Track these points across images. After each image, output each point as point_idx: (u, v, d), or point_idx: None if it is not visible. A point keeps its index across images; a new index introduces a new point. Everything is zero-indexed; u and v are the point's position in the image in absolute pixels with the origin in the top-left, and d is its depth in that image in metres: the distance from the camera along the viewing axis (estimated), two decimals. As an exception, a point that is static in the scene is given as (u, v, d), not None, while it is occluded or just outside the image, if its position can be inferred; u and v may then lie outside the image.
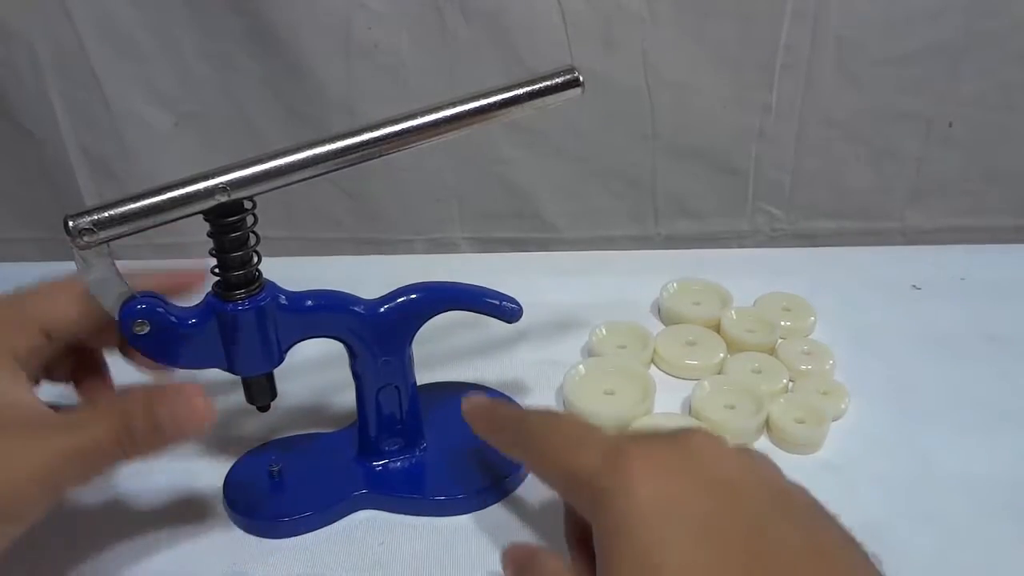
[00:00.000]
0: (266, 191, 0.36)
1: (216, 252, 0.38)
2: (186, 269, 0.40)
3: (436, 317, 0.43)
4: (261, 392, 0.41)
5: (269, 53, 0.75)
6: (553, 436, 0.36)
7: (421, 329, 0.43)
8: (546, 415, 0.40)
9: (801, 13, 0.71)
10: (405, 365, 0.43)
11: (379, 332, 0.42)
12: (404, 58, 0.74)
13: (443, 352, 0.54)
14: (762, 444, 0.47)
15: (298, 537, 0.42)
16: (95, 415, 0.35)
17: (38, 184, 0.82)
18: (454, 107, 0.37)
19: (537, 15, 0.72)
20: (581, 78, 0.38)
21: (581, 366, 0.51)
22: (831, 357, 0.52)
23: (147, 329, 0.37)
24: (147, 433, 0.34)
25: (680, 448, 0.33)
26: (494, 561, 0.40)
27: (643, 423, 0.47)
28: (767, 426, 0.47)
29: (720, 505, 0.31)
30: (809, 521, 0.31)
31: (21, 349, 0.37)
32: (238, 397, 0.42)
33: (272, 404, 0.42)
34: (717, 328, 0.55)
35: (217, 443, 0.47)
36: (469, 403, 0.40)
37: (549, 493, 0.38)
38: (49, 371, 0.40)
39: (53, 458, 0.33)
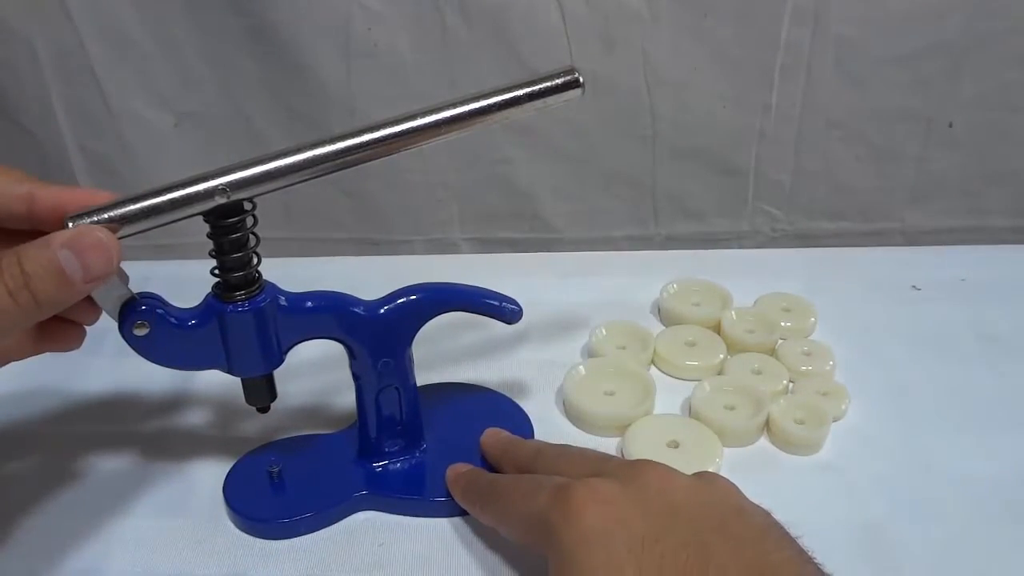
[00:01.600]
0: (266, 192, 0.36)
1: (216, 253, 0.38)
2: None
3: (436, 318, 0.43)
4: (261, 393, 0.42)
5: (269, 53, 0.74)
6: (514, 492, 0.38)
7: (421, 330, 0.43)
8: (513, 478, 0.41)
9: (801, 13, 0.71)
10: (405, 366, 0.43)
11: (379, 333, 0.42)
12: (404, 58, 0.74)
13: (443, 352, 0.54)
14: (762, 445, 0.47)
15: (298, 538, 0.42)
16: None
17: (38, 184, 0.82)
18: (454, 108, 0.37)
19: (537, 15, 0.72)
20: (581, 79, 0.38)
21: (581, 367, 0.51)
22: (831, 358, 0.52)
23: (147, 330, 0.37)
24: (49, 281, 0.32)
25: (625, 480, 0.34)
26: (493, 562, 0.40)
27: (643, 424, 0.47)
28: (767, 427, 0.47)
29: (660, 528, 0.32)
30: (758, 543, 0.32)
31: None
32: (238, 398, 0.42)
33: (272, 405, 0.42)
34: (717, 329, 0.55)
35: (217, 444, 0.47)
36: (451, 472, 0.43)
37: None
38: None
39: None
